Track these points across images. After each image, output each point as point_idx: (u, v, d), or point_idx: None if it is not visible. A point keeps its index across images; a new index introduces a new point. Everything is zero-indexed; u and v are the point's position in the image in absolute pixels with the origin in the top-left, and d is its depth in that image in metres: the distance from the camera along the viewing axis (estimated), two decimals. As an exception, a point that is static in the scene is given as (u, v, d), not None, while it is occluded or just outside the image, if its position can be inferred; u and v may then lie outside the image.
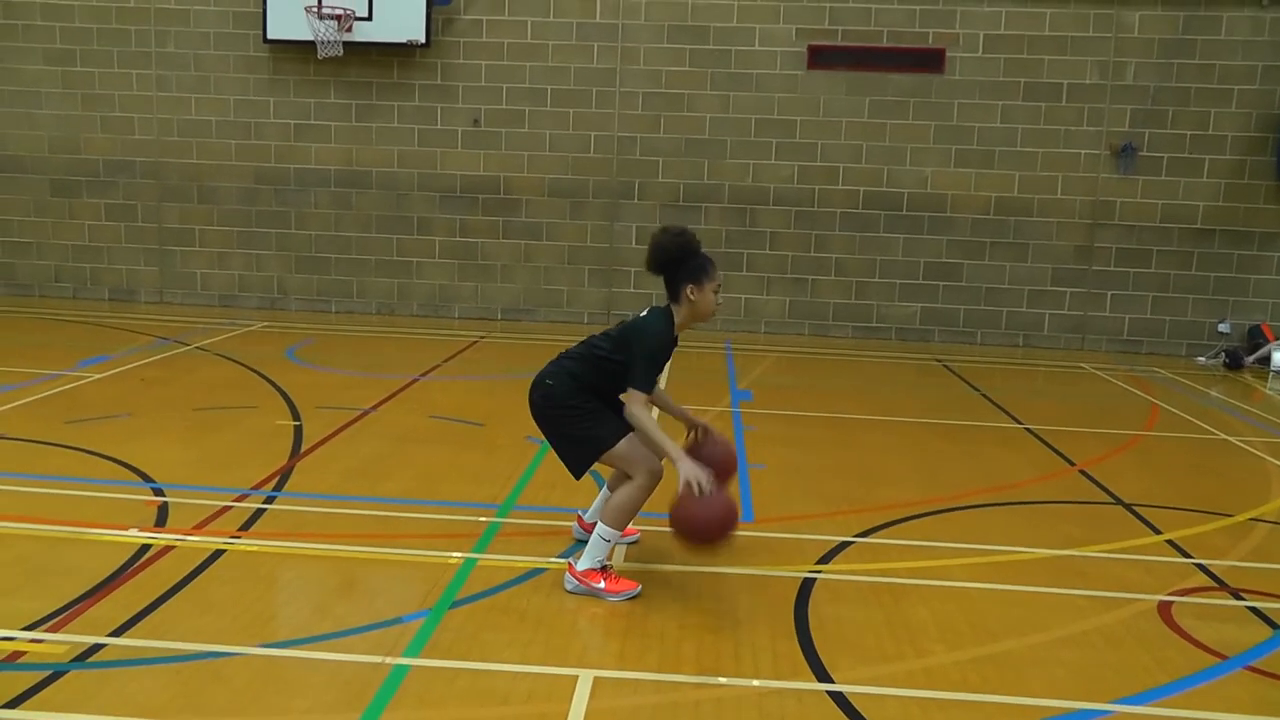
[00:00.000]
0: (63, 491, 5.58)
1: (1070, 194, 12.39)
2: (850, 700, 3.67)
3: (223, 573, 4.58)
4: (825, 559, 5.07)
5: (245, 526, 5.18)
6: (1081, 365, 11.55)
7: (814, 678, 3.84)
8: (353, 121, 12.80)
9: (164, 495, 5.58)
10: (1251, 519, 6.02)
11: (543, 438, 4.76)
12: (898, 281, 12.69)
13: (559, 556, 4.87)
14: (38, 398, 7.69)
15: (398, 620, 4.15)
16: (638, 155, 12.65)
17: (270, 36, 12.41)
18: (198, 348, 10.14)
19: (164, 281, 13.23)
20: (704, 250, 4.60)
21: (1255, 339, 12.02)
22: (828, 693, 3.72)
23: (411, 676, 3.70)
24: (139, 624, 4.02)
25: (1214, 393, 10.27)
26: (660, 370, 4.54)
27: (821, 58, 12.36)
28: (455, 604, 4.33)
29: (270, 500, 5.60)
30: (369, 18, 12.16)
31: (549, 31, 12.52)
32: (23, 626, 3.95)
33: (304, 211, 13.01)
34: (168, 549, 4.80)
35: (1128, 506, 6.17)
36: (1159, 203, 12.33)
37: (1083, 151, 12.32)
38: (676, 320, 4.56)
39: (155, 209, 13.11)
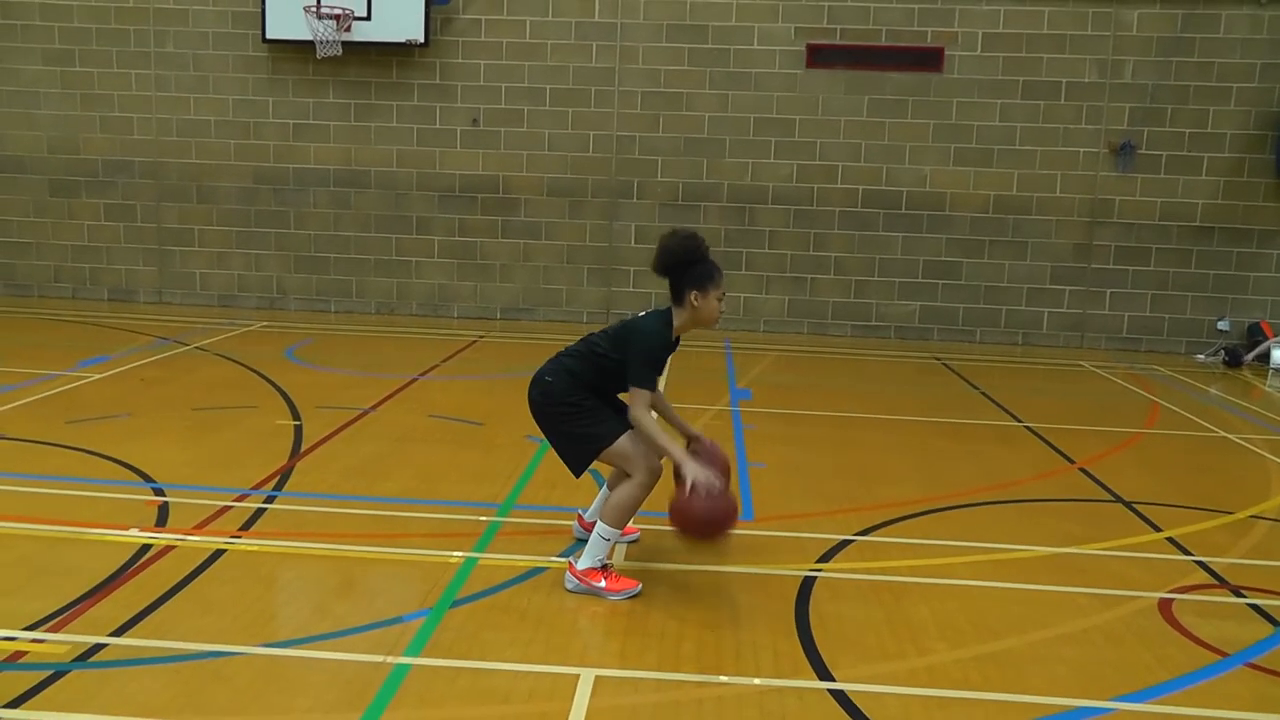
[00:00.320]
0: (63, 491, 5.58)
1: (1069, 192, 12.40)
2: (851, 698, 3.67)
3: (223, 572, 4.58)
4: (825, 557, 5.07)
5: (246, 526, 5.18)
6: (1081, 363, 11.56)
7: (815, 676, 3.84)
8: (352, 121, 12.80)
9: (164, 495, 5.58)
10: (1251, 516, 6.03)
11: (542, 436, 4.76)
12: (897, 280, 12.69)
13: (559, 555, 4.87)
14: (38, 398, 7.69)
15: (398, 619, 4.15)
16: (637, 154, 12.65)
17: (269, 36, 12.41)
18: (197, 348, 10.13)
19: (163, 281, 13.23)
20: (711, 257, 4.59)
21: (1254, 336, 12.03)
22: (829, 691, 3.73)
23: (412, 676, 3.70)
24: (140, 624, 4.02)
25: (1213, 390, 10.27)
26: (659, 371, 4.53)
27: (820, 56, 12.36)
28: (456, 603, 4.33)
29: (270, 500, 5.60)
30: (368, 17, 12.15)
31: (548, 31, 12.52)
32: (24, 626, 3.95)
33: (303, 211, 13.01)
34: (168, 549, 4.80)
35: (1128, 504, 6.17)
36: (1158, 200, 12.33)
37: (1081, 150, 12.32)
38: (676, 323, 4.54)
39: (154, 209, 13.10)
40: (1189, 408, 9.22)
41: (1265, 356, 11.67)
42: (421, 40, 12.25)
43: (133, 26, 12.76)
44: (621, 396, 4.66)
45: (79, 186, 13.11)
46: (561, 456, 4.70)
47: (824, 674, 3.85)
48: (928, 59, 12.28)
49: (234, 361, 9.47)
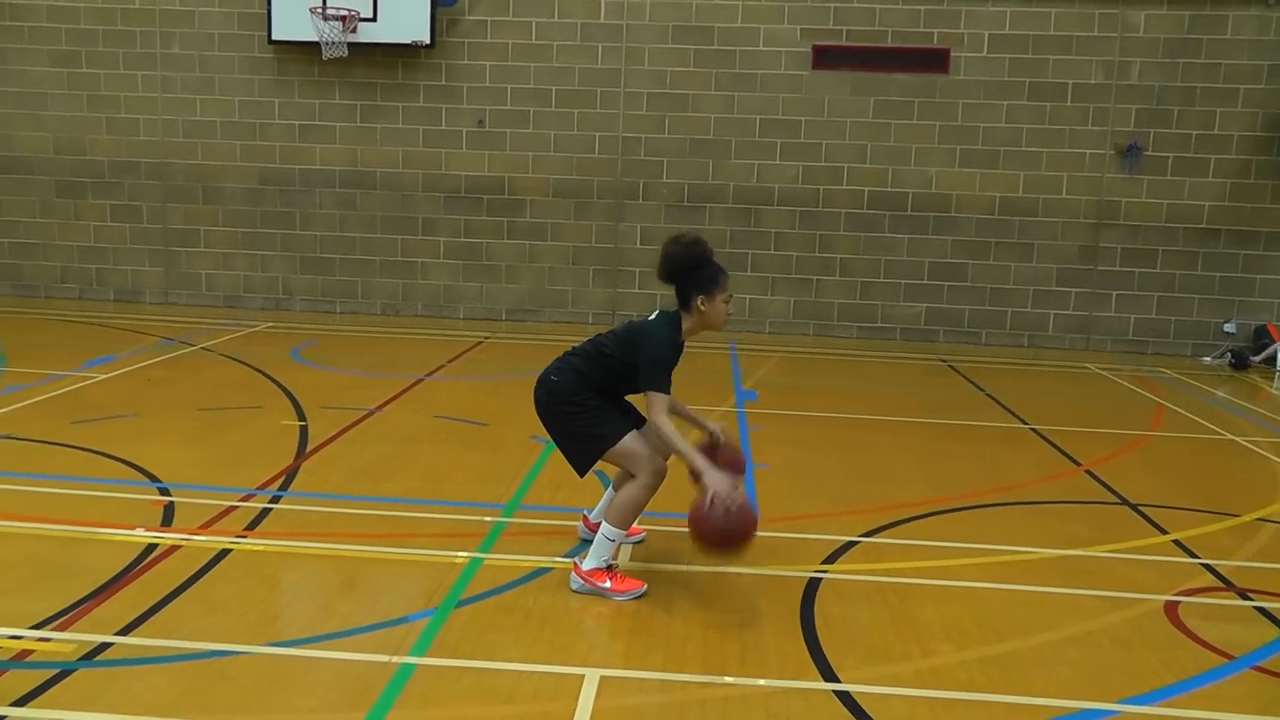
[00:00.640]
0: (69, 491, 5.59)
1: (1075, 194, 12.38)
2: (856, 700, 3.66)
3: (229, 572, 4.59)
4: (831, 559, 5.07)
5: (251, 526, 5.19)
6: (1087, 365, 11.54)
7: (820, 677, 3.84)
8: (357, 122, 12.81)
9: (170, 495, 5.59)
10: (1258, 519, 6.01)
11: (547, 437, 4.76)
12: (902, 282, 12.68)
13: (564, 556, 4.87)
14: (44, 398, 7.71)
15: (403, 619, 4.15)
16: (642, 156, 12.65)
17: (275, 37, 12.43)
18: (203, 348, 10.15)
19: (169, 282, 13.25)
20: (715, 260, 4.59)
21: (1261, 339, 12.00)
22: (834, 692, 3.72)
23: (417, 675, 3.70)
24: (146, 623, 4.02)
25: (1220, 393, 10.25)
26: (670, 372, 4.52)
27: (826, 58, 12.36)
28: (461, 603, 4.33)
29: (276, 500, 5.60)
30: (373, 19, 12.17)
31: (553, 32, 12.53)
32: (30, 625, 3.96)
33: (309, 212, 13.02)
34: (174, 548, 4.81)
35: (1134, 506, 6.16)
36: (1164, 202, 12.31)
37: (1088, 151, 12.30)
38: (684, 327, 4.54)
39: (160, 210, 13.13)
40: (1195, 410, 9.20)
41: (1272, 359, 11.65)
42: (427, 41, 12.27)
43: (139, 28, 12.78)
44: (629, 398, 4.66)
45: (85, 187, 13.14)
46: (566, 456, 4.70)
47: (829, 675, 3.85)
48: (933, 60, 12.27)
49: (240, 362, 9.49)
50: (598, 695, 3.62)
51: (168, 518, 5.24)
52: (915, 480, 6.56)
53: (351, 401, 7.93)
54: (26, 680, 3.54)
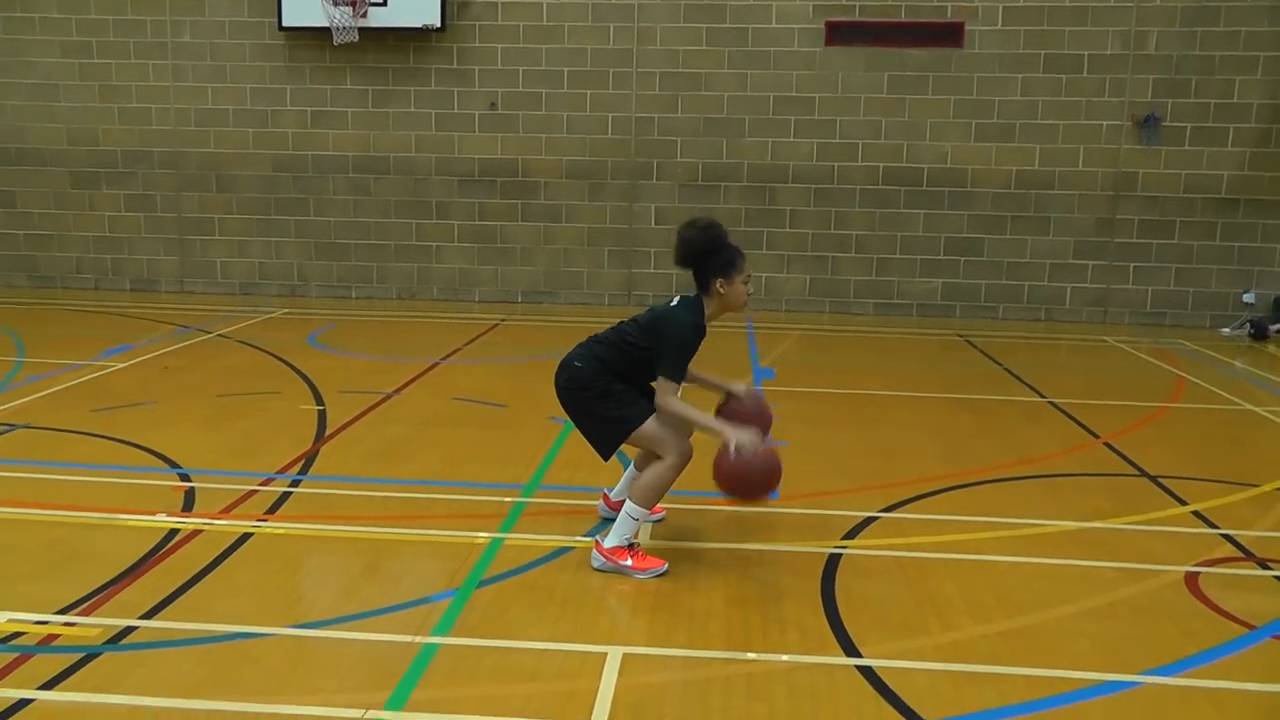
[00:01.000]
0: (91, 479, 5.64)
1: (1092, 166, 12.28)
2: (879, 674, 3.67)
3: (250, 556, 4.62)
4: (851, 534, 5.07)
5: (272, 510, 5.22)
6: (1104, 338, 11.48)
7: (842, 652, 3.84)
8: (369, 107, 12.81)
9: (190, 480, 5.63)
10: (1278, 489, 5.98)
11: (566, 418, 4.77)
12: (918, 257, 12.62)
13: (585, 535, 4.89)
14: (64, 387, 7.76)
15: (425, 600, 4.18)
16: (656, 135, 12.61)
17: (285, 24, 12.41)
18: (220, 335, 10.19)
19: (184, 271, 13.30)
20: (731, 241, 4.57)
21: (1281, 309, 11.92)
22: (856, 667, 3.73)
23: (440, 655, 3.72)
24: (169, 607, 4.06)
25: (1239, 363, 10.19)
26: (689, 359, 4.52)
27: (839, 34, 12.28)
28: (483, 583, 4.35)
29: (296, 484, 5.63)
30: (384, 3, 12.14)
31: (565, 13, 12.48)
32: (56, 611, 4.00)
33: (322, 198, 13.04)
34: (196, 533, 4.85)
35: (1153, 478, 6.13)
36: (1182, 173, 12.20)
37: (1104, 123, 12.20)
38: (707, 311, 4.54)
39: (174, 199, 13.16)
40: (1214, 381, 9.14)
41: (1292, 329, 11.57)
42: (438, 25, 12.24)
43: (149, 17, 12.79)
44: (652, 385, 4.66)
45: (99, 178, 13.18)
46: (590, 440, 4.70)
47: (851, 650, 3.85)
48: (948, 34, 12.18)
49: (256, 348, 9.52)
50: (620, 673, 3.63)
51: (189, 503, 5.27)
52: (934, 455, 6.55)
53: (369, 385, 7.95)
54: (53, 664, 3.58)
